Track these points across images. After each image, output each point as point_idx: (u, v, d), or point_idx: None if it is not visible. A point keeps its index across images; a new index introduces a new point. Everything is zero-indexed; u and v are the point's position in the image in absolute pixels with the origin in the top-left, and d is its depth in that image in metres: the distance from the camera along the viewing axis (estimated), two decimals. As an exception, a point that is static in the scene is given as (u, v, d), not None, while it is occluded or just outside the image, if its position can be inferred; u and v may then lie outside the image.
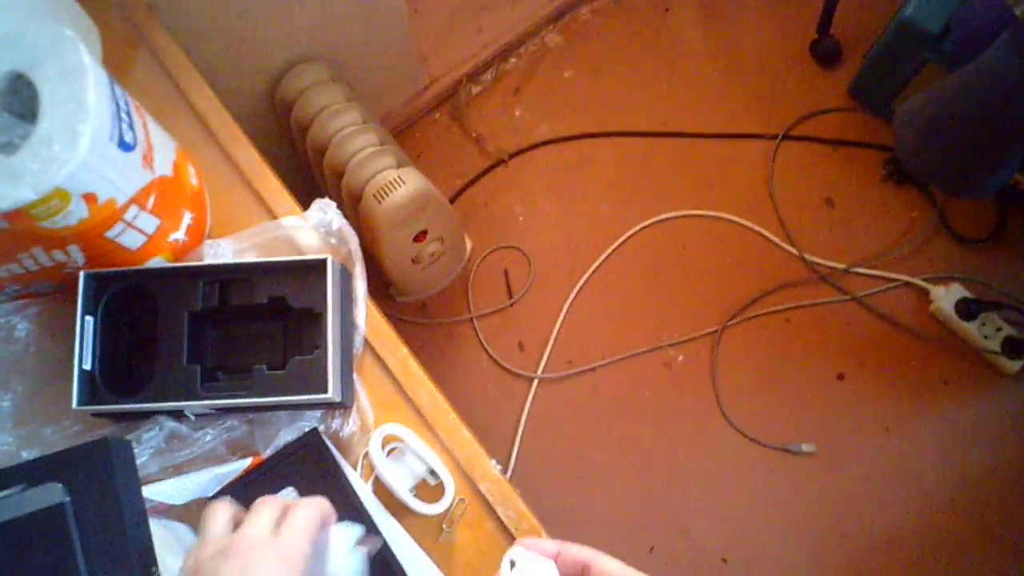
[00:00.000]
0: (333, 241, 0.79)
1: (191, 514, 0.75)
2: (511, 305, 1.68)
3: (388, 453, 0.75)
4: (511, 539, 0.73)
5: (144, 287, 0.74)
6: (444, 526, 0.74)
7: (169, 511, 0.75)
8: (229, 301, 0.75)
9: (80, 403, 0.71)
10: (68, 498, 0.58)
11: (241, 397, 0.71)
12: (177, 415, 0.74)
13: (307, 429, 0.75)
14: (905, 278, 1.63)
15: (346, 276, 0.77)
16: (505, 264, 1.71)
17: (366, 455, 0.75)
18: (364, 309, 0.78)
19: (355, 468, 0.75)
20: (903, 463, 1.54)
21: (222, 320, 0.77)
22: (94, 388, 0.72)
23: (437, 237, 1.42)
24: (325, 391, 0.70)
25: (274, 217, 0.83)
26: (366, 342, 0.78)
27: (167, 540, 0.70)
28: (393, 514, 0.74)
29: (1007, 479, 1.52)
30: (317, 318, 0.73)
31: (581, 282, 1.68)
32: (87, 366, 0.72)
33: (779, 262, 1.67)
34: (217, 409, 0.73)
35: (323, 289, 0.73)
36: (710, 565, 1.51)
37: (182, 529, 0.75)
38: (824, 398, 1.59)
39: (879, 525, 1.51)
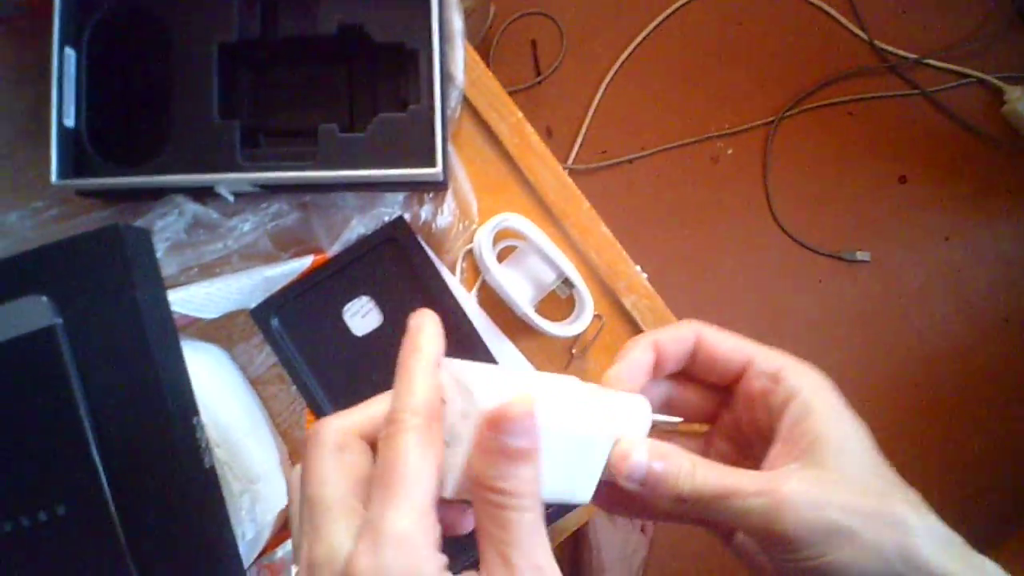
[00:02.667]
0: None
1: (224, 330, 0.55)
2: (539, 83, 1.44)
3: (499, 255, 0.55)
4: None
5: (148, 8, 0.50)
6: (573, 351, 0.57)
7: (191, 326, 0.55)
8: (276, 31, 0.52)
9: (62, 175, 0.49)
10: (59, 319, 0.39)
11: (301, 169, 0.49)
12: (201, 195, 0.52)
13: (389, 218, 0.54)
14: (979, 75, 1.45)
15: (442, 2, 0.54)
16: (532, 34, 1.45)
17: (468, 255, 0.56)
18: (463, 53, 0.54)
19: (453, 272, 0.56)
20: (959, 275, 1.42)
21: (264, 61, 0.54)
22: (81, 154, 0.50)
23: (470, -11, 1.14)
24: (430, 163, 0.49)
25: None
26: (465, 100, 0.56)
27: (196, 370, 0.50)
28: (507, 335, 0.56)
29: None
30: (407, 60, 0.51)
31: (620, 60, 1.44)
32: (69, 122, 0.49)
33: (845, 47, 1.46)
34: (262, 187, 0.51)
35: (423, 14, 0.50)
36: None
37: (214, 353, 0.55)
38: (883, 202, 1.44)
39: (929, 338, 1.41)
